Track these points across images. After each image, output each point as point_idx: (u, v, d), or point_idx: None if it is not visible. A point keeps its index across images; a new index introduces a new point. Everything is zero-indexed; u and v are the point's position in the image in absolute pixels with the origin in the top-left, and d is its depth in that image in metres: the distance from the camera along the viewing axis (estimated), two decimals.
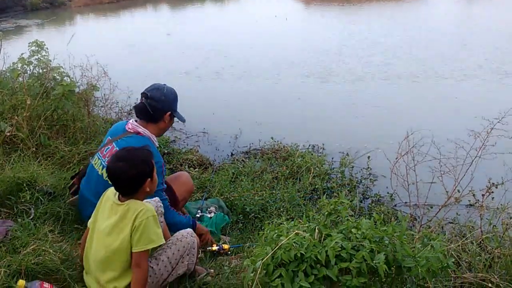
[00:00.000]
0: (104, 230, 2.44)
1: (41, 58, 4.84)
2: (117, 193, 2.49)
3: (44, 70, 4.85)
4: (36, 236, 2.85)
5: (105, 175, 2.96)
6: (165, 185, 3.11)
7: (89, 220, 2.61)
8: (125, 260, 2.40)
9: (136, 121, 3.18)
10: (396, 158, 3.25)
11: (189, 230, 2.82)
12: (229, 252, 3.32)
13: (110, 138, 3.18)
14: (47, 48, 4.94)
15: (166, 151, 5.65)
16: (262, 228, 3.95)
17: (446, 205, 3.16)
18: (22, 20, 20.17)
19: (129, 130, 3.12)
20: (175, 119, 3.28)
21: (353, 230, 2.18)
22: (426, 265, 2.01)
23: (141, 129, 3.10)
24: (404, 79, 9.48)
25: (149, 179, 2.48)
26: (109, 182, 2.55)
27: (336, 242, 2.06)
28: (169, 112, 3.19)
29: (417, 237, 2.47)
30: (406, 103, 8.10)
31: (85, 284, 2.58)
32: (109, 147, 3.11)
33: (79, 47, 6.66)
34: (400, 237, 2.09)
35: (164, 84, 3.24)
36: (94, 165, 3.16)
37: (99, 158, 3.14)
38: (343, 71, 10.13)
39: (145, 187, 2.47)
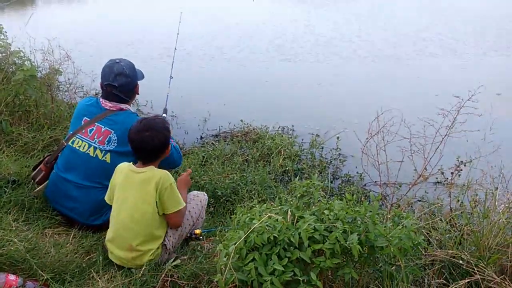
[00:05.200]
0: (128, 199, 2.67)
1: (0, 42, 4.69)
2: (131, 163, 2.74)
3: (4, 55, 4.70)
4: None
5: (100, 155, 3.08)
6: None
7: (105, 198, 2.84)
8: (154, 223, 2.68)
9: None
10: (367, 138, 3.26)
11: (201, 191, 3.24)
12: (201, 237, 3.28)
13: (88, 119, 3.16)
14: (6, 32, 4.81)
15: None
16: (234, 211, 3.93)
17: (416, 183, 3.20)
18: None
19: (111, 108, 3.17)
20: None
21: (325, 211, 2.17)
22: (398, 244, 2.02)
23: (123, 105, 3.20)
24: (364, 59, 9.56)
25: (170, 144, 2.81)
26: (108, 161, 3.04)
27: (309, 224, 2.05)
28: (137, 84, 3.33)
29: (388, 216, 2.49)
30: (369, 83, 8.15)
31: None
32: (93, 128, 3.12)
33: (41, 31, 6.42)
34: (372, 217, 2.09)
35: (117, 61, 3.23)
36: (78, 148, 3.13)
37: (83, 140, 3.13)
38: (306, 53, 10.11)
39: (167, 152, 2.79)
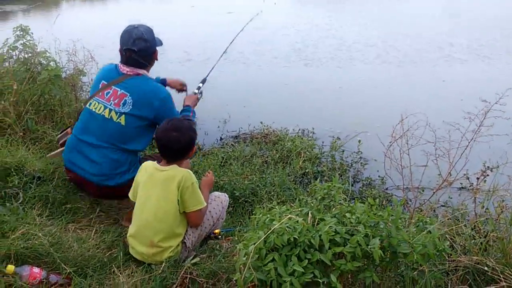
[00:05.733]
0: (152, 197, 2.69)
1: (26, 43, 4.78)
2: (155, 162, 2.77)
3: (30, 55, 4.79)
4: (24, 220, 2.83)
5: (115, 117, 3.13)
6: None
7: (129, 194, 2.87)
8: (175, 221, 2.70)
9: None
10: (390, 142, 3.21)
11: (222, 193, 3.23)
12: (220, 237, 3.28)
13: (106, 83, 3.23)
14: (32, 33, 4.92)
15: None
16: (253, 212, 3.92)
17: (440, 188, 3.13)
18: (8, 5, 19.66)
19: (128, 73, 3.20)
20: None
21: (347, 214, 2.15)
22: (422, 250, 1.98)
23: (140, 71, 3.23)
24: (388, 64, 9.44)
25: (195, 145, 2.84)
26: (122, 123, 3.10)
27: (330, 226, 2.02)
28: (156, 50, 3.35)
29: (412, 221, 2.44)
30: (393, 88, 8.06)
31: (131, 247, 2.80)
32: (109, 91, 3.18)
33: (65, 32, 6.50)
34: (395, 222, 2.05)
35: (136, 26, 3.23)
36: (94, 110, 3.19)
37: (99, 103, 3.19)
38: (328, 57, 10.04)
39: (191, 153, 2.83)
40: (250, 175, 4.52)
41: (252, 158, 5.08)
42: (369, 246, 1.94)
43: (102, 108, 3.17)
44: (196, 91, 3.88)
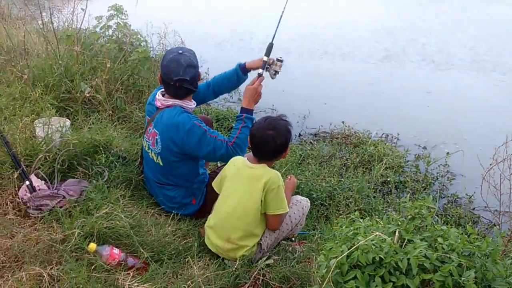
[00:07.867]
0: (236, 192, 2.69)
1: (120, 22, 4.92)
2: (246, 158, 2.74)
3: (123, 35, 4.92)
4: (108, 200, 2.89)
5: (155, 158, 3.05)
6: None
7: (213, 184, 2.86)
8: (255, 221, 2.67)
9: (163, 95, 3.07)
10: (491, 164, 2.99)
11: (304, 197, 3.14)
12: (294, 239, 3.21)
13: (149, 118, 3.16)
14: (126, 12, 5.01)
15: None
16: (328, 217, 3.83)
17: None
18: None
19: (160, 107, 3.03)
20: None
21: (439, 238, 2.01)
22: None
23: (171, 102, 3.00)
24: (486, 72, 8.77)
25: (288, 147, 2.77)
26: (161, 164, 3.00)
27: (420, 250, 1.89)
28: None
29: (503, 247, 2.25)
30: (487, 97, 7.49)
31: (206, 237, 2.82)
32: (150, 128, 3.08)
33: (154, 11, 6.65)
34: (493, 255, 1.89)
35: (180, 52, 2.96)
36: (145, 148, 3.18)
37: (146, 141, 3.14)
38: (419, 57, 9.57)
39: (284, 155, 2.78)
40: (328, 177, 4.40)
41: (331, 159, 4.96)
42: (462, 278, 1.80)
43: (147, 147, 3.12)
44: (261, 70, 3.24)
